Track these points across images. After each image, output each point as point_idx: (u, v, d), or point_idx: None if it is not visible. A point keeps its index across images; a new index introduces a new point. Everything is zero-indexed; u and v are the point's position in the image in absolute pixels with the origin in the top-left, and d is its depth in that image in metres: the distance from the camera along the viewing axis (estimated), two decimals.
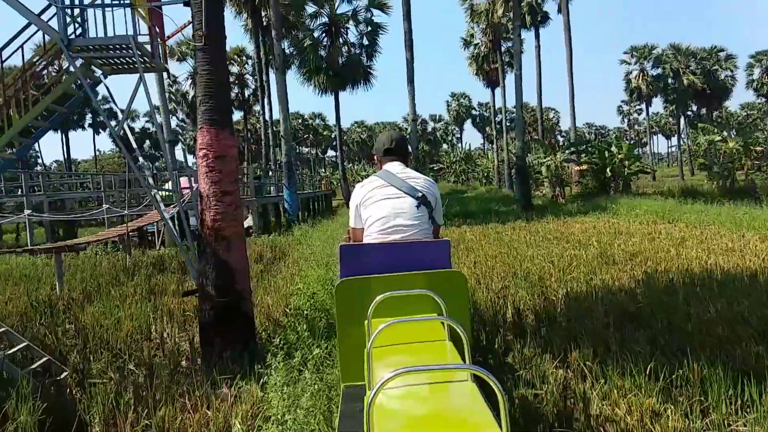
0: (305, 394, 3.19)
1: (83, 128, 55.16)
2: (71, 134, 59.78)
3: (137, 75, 5.56)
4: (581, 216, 15.79)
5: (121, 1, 5.42)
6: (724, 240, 9.64)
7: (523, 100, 20.43)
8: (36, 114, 5.22)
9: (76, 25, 5.49)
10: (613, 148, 23.21)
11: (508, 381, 3.91)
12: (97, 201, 19.33)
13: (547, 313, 5.75)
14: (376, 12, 28.83)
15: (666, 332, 4.90)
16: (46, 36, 5.61)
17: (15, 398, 3.67)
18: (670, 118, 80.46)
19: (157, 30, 5.72)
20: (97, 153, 69.37)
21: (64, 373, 5.09)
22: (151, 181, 6.23)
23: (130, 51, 5.21)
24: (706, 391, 3.58)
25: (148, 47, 5.55)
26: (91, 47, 5.27)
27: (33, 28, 5.48)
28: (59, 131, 51.33)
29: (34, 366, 4.98)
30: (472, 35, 40.48)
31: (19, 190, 18.73)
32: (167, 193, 12.70)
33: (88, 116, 60.33)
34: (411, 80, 19.22)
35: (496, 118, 47.21)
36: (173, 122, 56.82)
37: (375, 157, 3.54)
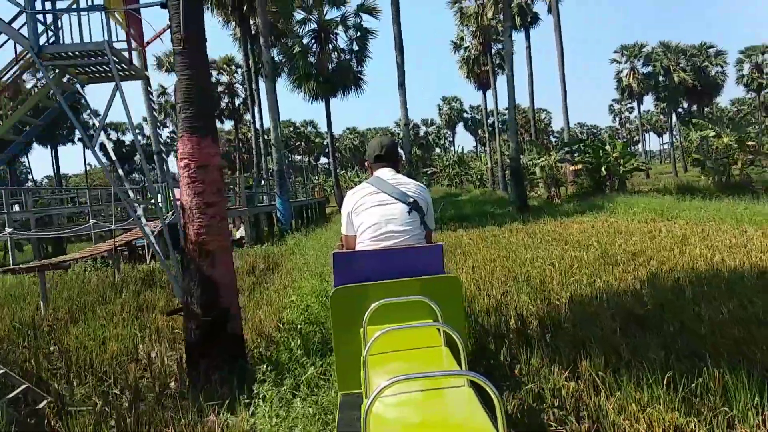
0: (297, 426, 2.91)
1: (73, 142, 54.61)
2: (61, 149, 59.39)
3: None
4: (578, 216, 15.57)
5: (96, 5, 5.14)
6: (727, 236, 9.42)
7: (515, 101, 20.23)
8: (7, 127, 4.94)
9: (50, 33, 5.23)
10: (608, 147, 23.06)
11: (517, 399, 3.65)
12: (89, 216, 18.96)
13: (551, 319, 5.50)
14: (365, 17, 28.70)
15: (678, 336, 4.66)
16: (18, 46, 5.33)
17: None
18: (662, 116, 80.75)
19: (136, 35, 5.46)
20: (88, 167, 68.79)
21: (44, 401, 4.80)
22: (131, 194, 5.95)
23: (106, 58, 4.94)
24: (730, 401, 3.34)
25: (126, 54, 5.29)
26: (64, 54, 5.00)
27: (4, 37, 5.20)
28: (48, 146, 50.84)
29: (11, 395, 4.68)
30: (462, 38, 40.38)
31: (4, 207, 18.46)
32: (159, 205, 12.39)
33: (77, 130, 60.01)
34: (402, 84, 19.00)
35: (488, 121, 47.13)
36: (165, 133, 56.49)
37: (366, 164, 3.51)
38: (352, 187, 3.44)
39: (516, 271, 7.87)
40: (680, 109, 55.72)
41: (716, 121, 24.38)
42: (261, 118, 30.85)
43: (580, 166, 23.46)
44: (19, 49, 5.33)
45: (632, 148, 26.23)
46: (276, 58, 29.21)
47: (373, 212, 3.08)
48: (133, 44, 5.62)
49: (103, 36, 5.03)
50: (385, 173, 3.25)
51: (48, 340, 6.85)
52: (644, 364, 3.94)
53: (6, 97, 5.32)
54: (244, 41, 28.79)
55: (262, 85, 27.79)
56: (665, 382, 3.55)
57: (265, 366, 3.57)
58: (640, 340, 4.60)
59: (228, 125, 57.10)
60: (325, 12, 29.12)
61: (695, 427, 3.07)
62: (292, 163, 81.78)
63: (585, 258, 8.44)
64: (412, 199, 3.10)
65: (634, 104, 61.99)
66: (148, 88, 5.77)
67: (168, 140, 57.25)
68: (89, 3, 5.35)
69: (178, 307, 4.90)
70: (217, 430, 3.30)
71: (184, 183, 4.22)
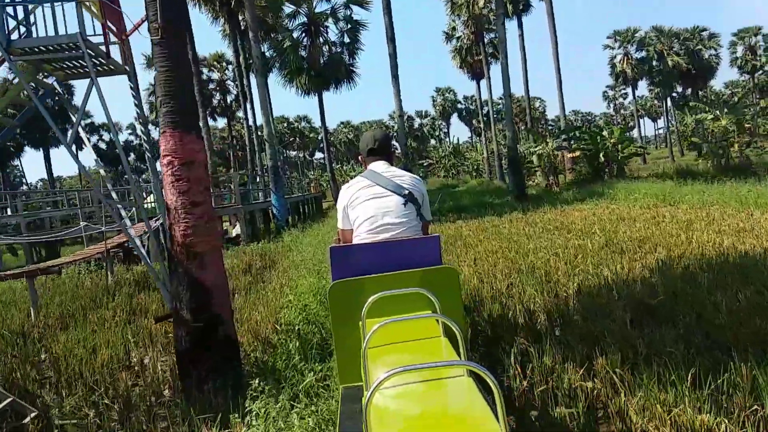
0: None
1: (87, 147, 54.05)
2: (54, 151, 58.87)
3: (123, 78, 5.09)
4: (578, 204, 15.35)
5: None
6: (734, 220, 9.20)
7: (510, 89, 19.95)
8: None
9: (23, 30, 4.94)
10: (605, 133, 22.81)
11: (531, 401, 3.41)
12: (79, 218, 18.66)
13: (560, 313, 5.27)
14: (355, 9, 28.30)
15: (695, 327, 4.43)
16: None
17: None
18: (656, 101, 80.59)
19: (114, 28, 5.18)
20: (87, 168, 68.16)
21: (31, 415, 4.55)
22: (114, 196, 5.68)
23: (81, 52, 4.65)
24: (761, 397, 3.11)
25: (103, 48, 5.00)
26: (35, 49, 4.71)
27: None
28: (40, 149, 50.33)
29: None
30: (453, 28, 40.02)
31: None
32: (153, 205, 12.15)
33: (69, 131, 59.43)
34: (395, 75, 18.70)
35: (483, 110, 46.81)
36: (157, 132, 56.04)
37: (359, 158, 3.50)
38: (348, 182, 3.38)
39: (519, 262, 7.63)
40: (674, 94, 55.48)
41: (713, 104, 24.15)
42: (254, 114, 30.55)
43: (577, 153, 23.21)
44: None
45: (628, 133, 25.98)
46: (267, 54, 28.86)
47: (369, 205, 3.08)
48: (113, 38, 5.33)
49: (79, 29, 4.72)
50: (380, 166, 3.24)
51: (38, 348, 6.60)
52: (664, 360, 3.71)
53: None
54: (233, 37, 28.43)
55: (253, 81, 27.47)
56: (689, 379, 3.32)
57: (256, 381, 3.30)
58: (655, 332, 4.36)
59: (221, 123, 56.66)
60: (314, 5, 28.72)
61: (726, 429, 2.83)
62: (287, 159, 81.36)
63: (589, 246, 8.20)
64: (407, 191, 3.09)
65: (629, 90, 61.89)
66: (131, 84, 5.49)
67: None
68: None
69: (167, 313, 4.65)
70: None
71: (168, 181, 3.96)
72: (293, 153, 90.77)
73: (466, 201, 20.64)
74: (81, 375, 5.33)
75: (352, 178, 3.53)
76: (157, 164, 4.72)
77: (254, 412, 2.88)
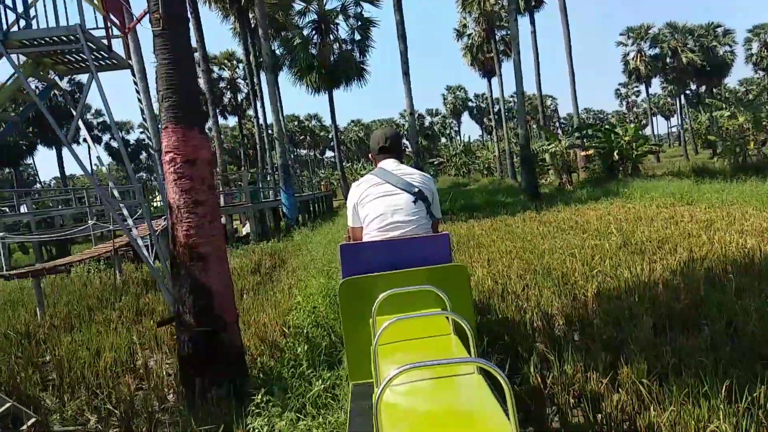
0: None
1: (78, 143, 54.35)
2: (64, 150, 59.12)
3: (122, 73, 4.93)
4: (593, 203, 15.05)
5: None
6: (756, 220, 8.90)
7: (523, 87, 19.65)
8: None
9: (23, 23, 4.78)
10: (619, 130, 22.43)
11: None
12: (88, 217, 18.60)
13: (579, 317, 5.05)
14: (366, 6, 28.09)
15: (725, 334, 4.19)
16: None
17: None
18: (668, 98, 79.71)
19: (117, 22, 5.01)
20: (95, 167, 68.59)
21: (30, 421, 4.41)
22: (116, 193, 5.52)
23: (81, 45, 4.47)
24: None
25: (105, 41, 4.84)
26: (34, 42, 4.54)
27: None
28: (53, 147, 50.55)
29: None
30: (464, 25, 39.69)
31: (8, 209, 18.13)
32: (160, 204, 12.04)
33: (83, 130, 59.63)
34: (406, 72, 18.48)
35: (494, 108, 46.44)
36: None
37: (370, 156, 3.51)
38: (358, 180, 3.34)
39: (534, 263, 7.40)
40: (688, 91, 54.79)
41: (731, 100, 23.71)
42: (264, 112, 30.43)
43: (591, 152, 22.85)
44: None
45: (641, 131, 25.56)
46: (277, 52, 28.72)
47: (379, 203, 3.09)
48: (116, 32, 5.17)
49: (79, 20, 4.55)
50: (390, 164, 3.25)
51: (42, 350, 6.48)
52: (693, 370, 3.49)
53: None
54: (243, 35, 28.32)
55: (264, 79, 27.36)
56: (723, 392, 3.10)
57: (260, 395, 3.12)
58: (681, 339, 4.13)
59: (232, 121, 56.71)
60: (325, 2, 28.55)
61: None
62: (297, 158, 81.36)
63: (606, 247, 7.96)
64: (417, 189, 3.10)
65: (641, 88, 61.19)
66: (134, 79, 5.32)
67: None
68: None
69: (169, 317, 4.48)
70: None
71: (170, 179, 3.79)
72: (304, 151, 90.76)
73: (479, 200, 20.38)
74: (84, 378, 5.19)
75: (362, 177, 3.44)
76: None
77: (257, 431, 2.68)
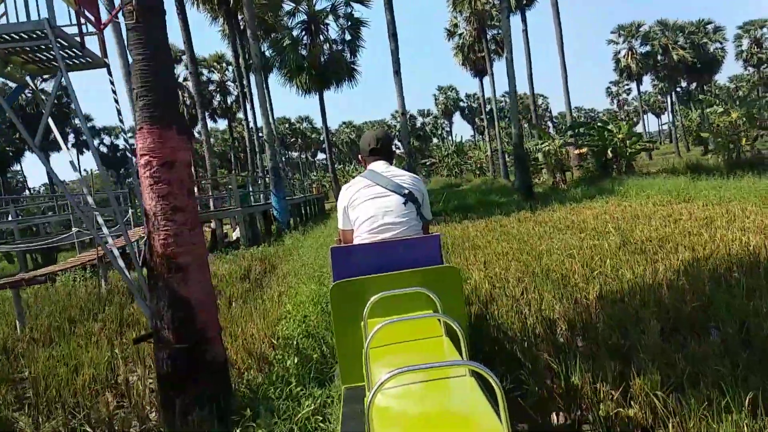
0: None
1: (67, 148, 53.59)
2: (55, 155, 58.50)
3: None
4: (588, 201, 14.85)
5: None
6: (757, 217, 8.71)
7: (516, 85, 19.43)
8: None
9: None
10: (612, 128, 22.27)
11: None
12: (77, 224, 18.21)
13: (582, 322, 4.81)
14: (356, 6, 27.85)
15: (739, 340, 3.96)
16: None
17: None
18: (659, 96, 79.91)
19: (92, 18, 4.73)
20: (84, 172, 67.93)
21: None
22: (91, 200, 5.24)
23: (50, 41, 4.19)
24: None
25: (78, 38, 4.55)
26: (1, 38, 4.24)
27: None
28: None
29: None
30: (455, 25, 39.51)
31: None
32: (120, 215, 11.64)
33: (71, 135, 59.04)
34: (397, 72, 18.24)
35: (486, 108, 46.29)
36: None
37: (360, 158, 3.50)
38: (349, 182, 3.29)
39: (533, 265, 7.16)
40: (678, 89, 54.85)
41: (717, 97, 23.63)
42: (254, 115, 30.09)
43: (584, 150, 22.68)
44: None
45: (634, 129, 25.48)
46: (266, 53, 28.42)
47: (369, 205, 3.09)
48: (92, 29, 4.89)
49: (48, 15, 4.26)
50: (380, 166, 3.25)
51: (21, 365, 6.18)
52: (710, 380, 3.25)
53: None
54: (232, 37, 28.00)
55: (253, 81, 27.05)
56: (747, 405, 2.86)
57: (244, 419, 2.86)
58: (693, 345, 3.89)
59: (222, 125, 56.30)
60: (314, 2, 28.27)
61: None
62: (289, 160, 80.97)
63: (606, 247, 7.73)
64: (407, 191, 3.09)
65: (632, 85, 61.22)
66: (110, 78, 5.05)
67: None
68: None
69: (147, 333, 4.20)
70: None
71: (146, 184, 3.52)
72: (295, 154, 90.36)
73: (472, 200, 20.15)
74: (60, 397, 4.91)
75: (354, 179, 3.36)
76: None
77: None
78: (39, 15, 4.55)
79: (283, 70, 27.75)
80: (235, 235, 17.85)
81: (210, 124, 44.47)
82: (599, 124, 25.44)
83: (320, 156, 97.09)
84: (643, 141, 24.46)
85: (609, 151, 21.70)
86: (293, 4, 27.63)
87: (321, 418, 3.12)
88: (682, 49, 46.99)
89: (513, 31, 20.15)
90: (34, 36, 4.19)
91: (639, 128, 72.50)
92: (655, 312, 4.70)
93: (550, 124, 75.52)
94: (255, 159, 31.44)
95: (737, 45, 54.46)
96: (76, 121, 55.61)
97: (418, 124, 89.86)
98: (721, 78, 79.88)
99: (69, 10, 4.69)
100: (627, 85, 75.13)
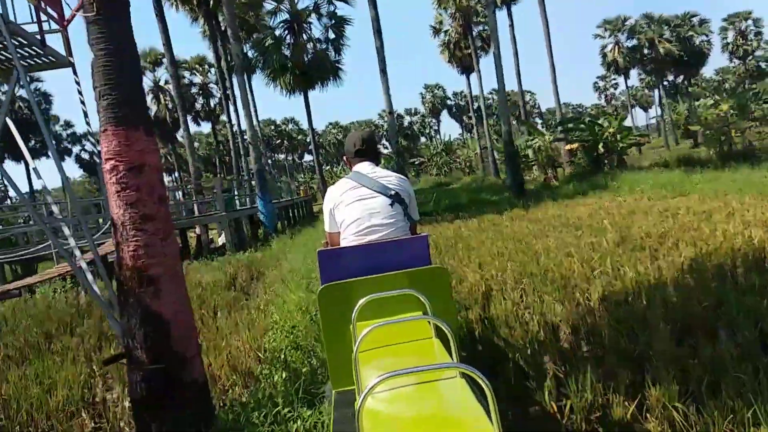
0: None
1: (47, 156, 52.63)
2: (36, 163, 57.51)
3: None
4: (581, 197, 14.65)
5: None
6: (757, 210, 8.50)
7: (504, 81, 19.20)
8: None
9: None
10: (603, 122, 22.11)
11: None
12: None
13: (586, 325, 4.55)
14: (339, 4, 27.54)
15: (758, 342, 3.70)
16: None
17: None
18: (646, 90, 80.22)
19: (55, 15, 4.41)
20: (67, 180, 66.82)
21: None
22: (56, 209, 4.91)
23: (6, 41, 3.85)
24: None
25: (38, 36, 4.22)
26: None
27: None
28: (21, 161, 49.08)
29: None
30: (441, 22, 39.22)
31: None
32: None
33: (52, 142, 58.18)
34: (383, 70, 17.97)
35: (474, 105, 46.12)
36: None
37: (345, 159, 3.47)
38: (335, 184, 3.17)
39: (530, 265, 6.88)
40: (666, 82, 55.00)
41: (715, 89, 23.59)
42: (238, 117, 29.68)
43: (575, 145, 22.48)
44: None
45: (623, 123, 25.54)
46: (249, 54, 28.03)
47: (355, 207, 3.04)
48: (54, 26, 4.55)
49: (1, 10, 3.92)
50: (365, 167, 3.20)
51: None
52: (732, 388, 2.99)
53: None
54: (213, 38, 27.56)
55: (236, 83, 26.65)
56: None
57: None
58: (708, 349, 3.63)
59: (206, 128, 55.70)
60: (296, 1, 27.90)
61: None
62: (275, 163, 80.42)
63: (604, 245, 7.49)
64: (393, 192, 3.06)
65: (619, 80, 61.29)
66: (75, 79, 4.73)
67: None
68: None
69: (118, 353, 3.88)
70: None
71: (113, 191, 3.21)
72: (282, 156, 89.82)
73: (463, 199, 19.91)
74: (33, 420, 4.58)
75: (339, 180, 3.24)
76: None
77: None
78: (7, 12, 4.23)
79: (266, 71, 27.30)
80: (221, 240, 17.49)
81: (193, 127, 44.00)
82: (589, 119, 25.30)
83: (307, 158, 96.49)
84: (634, 135, 24.30)
85: (600, 146, 21.53)
86: (275, 3, 27.25)
87: None
88: (669, 42, 47.10)
89: (499, 27, 19.91)
90: None
91: (627, 122, 72.60)
92: (663, 313, 4.45)
93: (539, 120, 75.56)
94: (240, 162, 31.01)
95: (723, 37, 54.73)
96: (57, 127, 54.83)
97: (406, 124, 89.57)
98: (708, 71, 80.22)
99: (30, 7, 4.37)
100: (614, 79, 75.23)
